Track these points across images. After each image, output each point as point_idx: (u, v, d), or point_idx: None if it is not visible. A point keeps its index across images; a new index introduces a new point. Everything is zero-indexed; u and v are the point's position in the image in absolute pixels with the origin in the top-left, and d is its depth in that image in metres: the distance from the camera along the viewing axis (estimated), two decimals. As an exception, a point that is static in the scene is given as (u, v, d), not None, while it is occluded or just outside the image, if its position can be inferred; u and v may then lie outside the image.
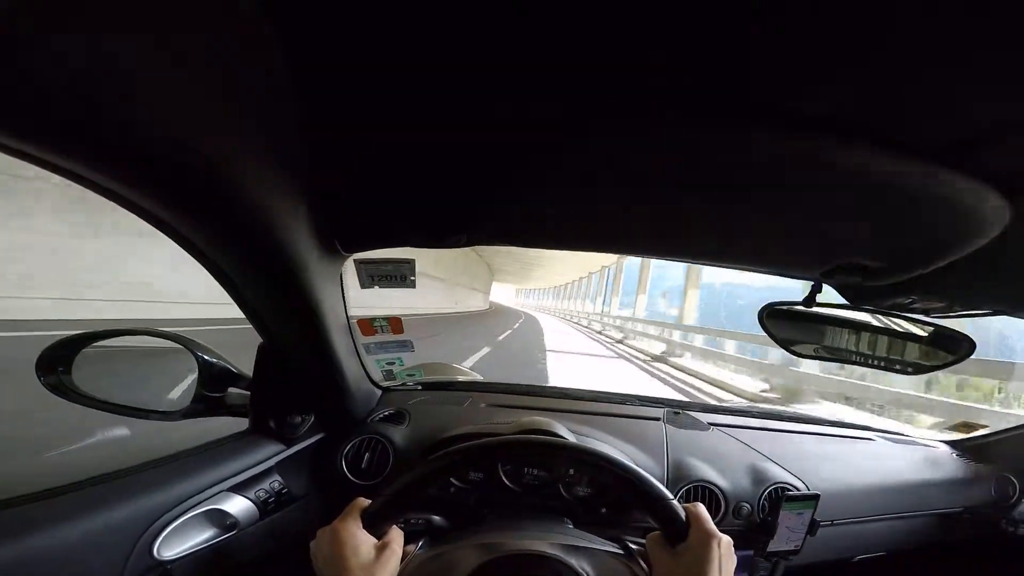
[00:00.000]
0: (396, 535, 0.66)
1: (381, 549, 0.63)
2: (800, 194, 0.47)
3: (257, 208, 0.51)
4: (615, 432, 1.11)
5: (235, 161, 0.45)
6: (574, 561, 0.68)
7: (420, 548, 0.70)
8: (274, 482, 0.86)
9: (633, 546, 0.72)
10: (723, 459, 1.10)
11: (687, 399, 1.42)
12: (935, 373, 1.09)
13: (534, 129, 0.43)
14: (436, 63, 0.37)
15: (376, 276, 0.74)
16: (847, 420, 1.51)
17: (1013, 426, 1.37)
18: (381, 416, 1.04)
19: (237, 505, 0.79)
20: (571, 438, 0.98)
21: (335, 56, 0.37)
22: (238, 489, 0.80)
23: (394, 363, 1.00)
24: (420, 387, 1.21)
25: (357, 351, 0.94)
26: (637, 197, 0.53)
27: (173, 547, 0.69)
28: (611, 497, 0.96)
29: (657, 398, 1.36)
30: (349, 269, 0.77)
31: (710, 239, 0.62)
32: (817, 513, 1.02)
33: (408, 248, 0.70)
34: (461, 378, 1.34)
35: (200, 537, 0.74)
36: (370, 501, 0.68)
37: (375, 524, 0.65)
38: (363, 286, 0.76)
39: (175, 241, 0.55)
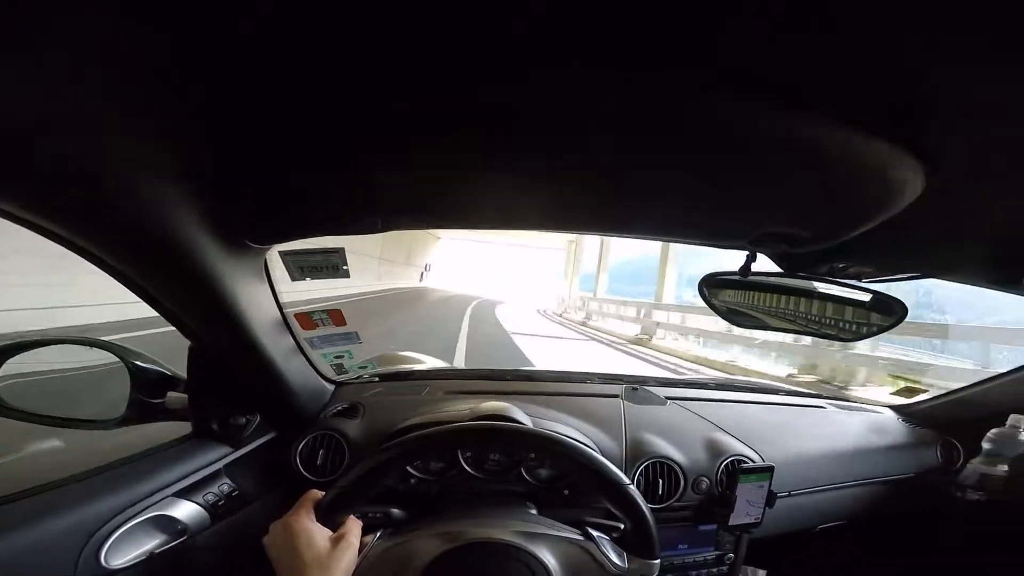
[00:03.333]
0: (353, 526, 0.66)
1: (336, 541, 0.62)
2: (724, 161, 0.46)
3: (146, 208, 0.48)
4: (574, 412, 1.11)
5: (114, 160, 0.43)
6: (534, 548, 0.69)
7: (379, 538, 0.70)
8: (223, 485, 0.84)
9: (593, 532, 0.73)
10: (680, 433, 1.11)
11: (646, 374, 1.43)
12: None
13: (446, 111, 0.41)
14: (336, 39, 0.34)
15: (305, 268, 0.72)
16: (799, 388, 1.55)
17: (952, 390, 1.40)
18: (334, 411, 1.03)
19: (185, 510, 0.77)
20: (528, 422, 0.98)
21: (214, 36, 0.35)
22: (184, 494, 0.78)
23: (343, 356, 0.98)
24: (377, 379, 1.19)
25: (300, 347, 0.92)
26: (555, 171, 0.51)
27: (121, 555, 0.68)
28: (572, 478, 0.97)
29: (616, 375, 1.37)
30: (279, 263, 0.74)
31: (635, 210, 0.61)
32: (774, 484, 1.04)
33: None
34: (419, 367, 1.33)
35: (149, 544, 0.72)
36: (323, 493, 0.67)
37: (329, 516, 0.65)
38: (293, 279, 0.74)
39: (70, 249, 0.53)
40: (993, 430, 1.19)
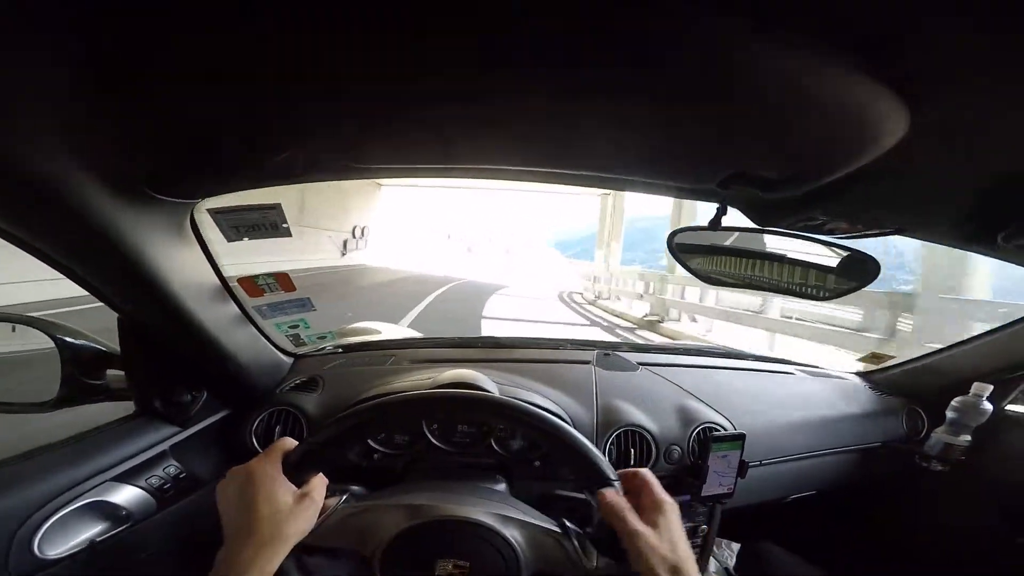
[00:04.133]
0: (319, 483, 0.60)
1: (300, 499, 0.57)
2: (686, 92, 0.41)
3: (24, 157, 0.42)
4: (545, 379, 1.09)
5: None
6: (506, 531, 0.65)
7: (344, 502, 0.65)
8: (169, 467, 0.79)
9: (570, 525, 0.70)
10: (652, 400, 1.10)
11: (619, 340, 1.41)
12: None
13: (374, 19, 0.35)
14: None
15: (240, 227, 0.65)
16: (770, 355, 1.54)
17: (917, 356, 1.40)
18: (291, 386, 0.98)
19: (126, 495, 0.73)
20: (495, 390, 0.94)
21: None
22: (125, 478, 0.73)
23: (298, 326, 0.92)
24: (340, 350, 1.14)
25: (249, 316, 0.86)
26: (508, 105, 0.45)
27: (58, 545, 0.64)
28: (544, 449, 0.93)
29: (589, 341, 1.35)
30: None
31: (599, 150, 0.55)
32: (745, 453, 1.02)
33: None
34: (385, 337, 1.28)
35: (88, 532, 0.68)
36: (296, 444, 0.61)
37: (298, 470, 0.59)
38: (229, 239, 0.67)
39: None
40: (956, 399, 1.18)
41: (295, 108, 0.44)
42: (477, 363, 1.12)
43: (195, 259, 0.69)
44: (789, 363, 1.45)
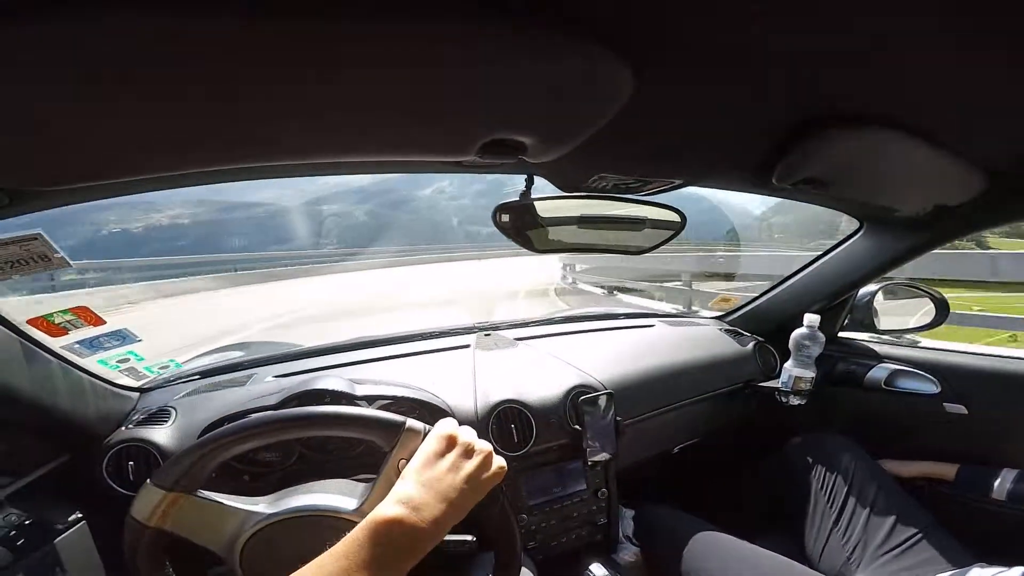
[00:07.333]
0: None
1: None
2: (413, 72, 0.40)
3: None
4: (425, 371, 1.10)
5: None
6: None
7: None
8: (10, 515, 0.73)
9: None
10: (528, 374, 1.13)
11: (500, 320, 1.44)
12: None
13: None
14: None
15: (2, 264, 0.60)
16: (633, 310, 1.62)
17: (756, 296, 1.50)
18: (138, 420, 0.92)
19: None
20: (358, 391, 0.93)
21: None
22: None
23: (128, 359, 0.86)
24: (197, 376, 1.08)
25: (60, 357, 0.79)
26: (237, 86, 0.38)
27: None
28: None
29: (470, 326, 1.37)
30: None
31: (345, 133, 0.51)
32: (621, 412, 1.05)
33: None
34: (247, 356, 1.23)
35: None
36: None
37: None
38: None
39: None
40: (795, 332, 1.25)
41: None
42: (348, 366, 1.11)
43: None
44: (652, 315, 1.55)
